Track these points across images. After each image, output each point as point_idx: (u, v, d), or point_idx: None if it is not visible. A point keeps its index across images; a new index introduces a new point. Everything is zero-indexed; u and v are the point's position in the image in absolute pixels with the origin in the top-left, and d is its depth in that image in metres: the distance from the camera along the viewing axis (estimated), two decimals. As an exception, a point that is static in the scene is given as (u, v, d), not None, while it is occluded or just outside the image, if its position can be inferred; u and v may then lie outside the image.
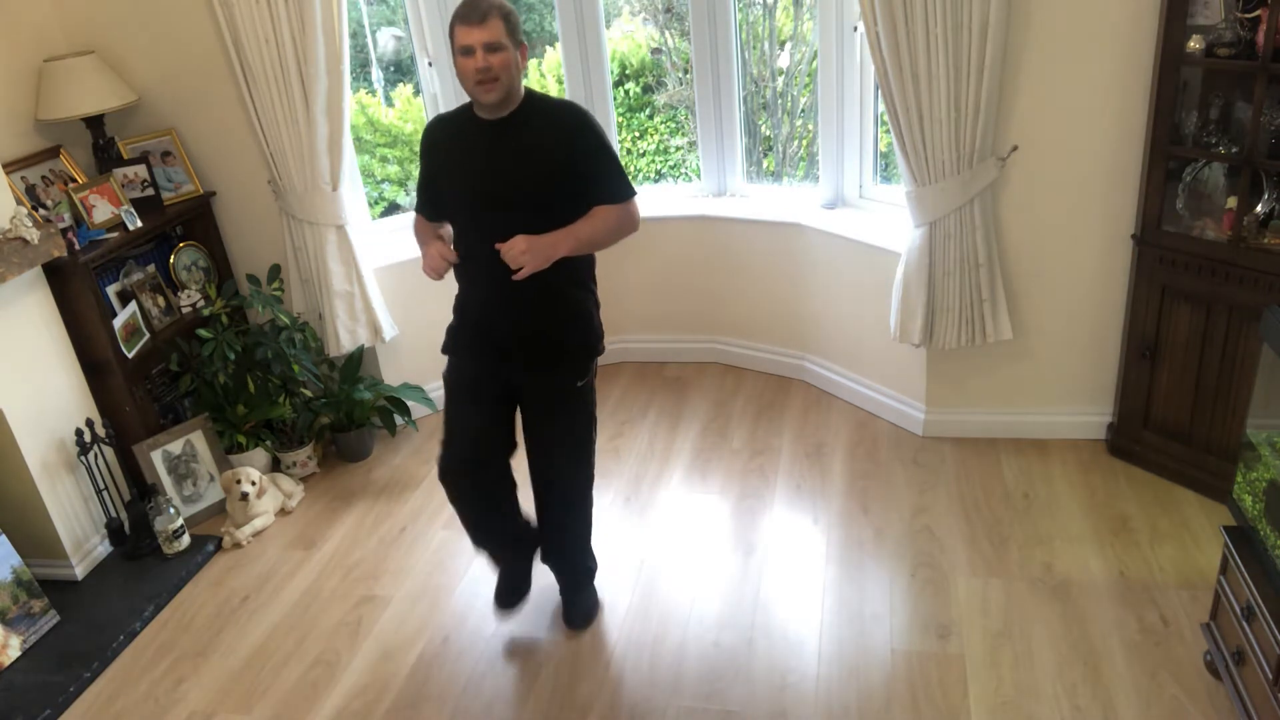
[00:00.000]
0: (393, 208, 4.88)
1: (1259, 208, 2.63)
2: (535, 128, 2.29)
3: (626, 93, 5.21)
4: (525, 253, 2.22)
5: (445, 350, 2.54)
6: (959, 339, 3.14)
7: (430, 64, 3.71)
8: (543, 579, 2.80)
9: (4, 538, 2.83)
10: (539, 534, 2.73)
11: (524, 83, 2.31)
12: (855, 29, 3.30)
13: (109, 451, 3.19)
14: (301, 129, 3.32)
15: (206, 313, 3.54)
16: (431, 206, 2.48)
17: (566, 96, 3.87)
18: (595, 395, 2.56)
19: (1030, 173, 2.99)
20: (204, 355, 3.41)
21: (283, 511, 3.42)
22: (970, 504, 3.06)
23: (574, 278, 2.42)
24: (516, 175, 2.28)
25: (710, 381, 4.00)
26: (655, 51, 5.16)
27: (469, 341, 2.49)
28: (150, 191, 3.48)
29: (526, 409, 2.54)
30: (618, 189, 2.36)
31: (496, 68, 2.17)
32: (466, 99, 2.33)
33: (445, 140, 2.39)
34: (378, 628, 2.81)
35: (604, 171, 2.35)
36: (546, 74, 5.23)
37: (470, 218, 2.37)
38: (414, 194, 2.61)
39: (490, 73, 2.17)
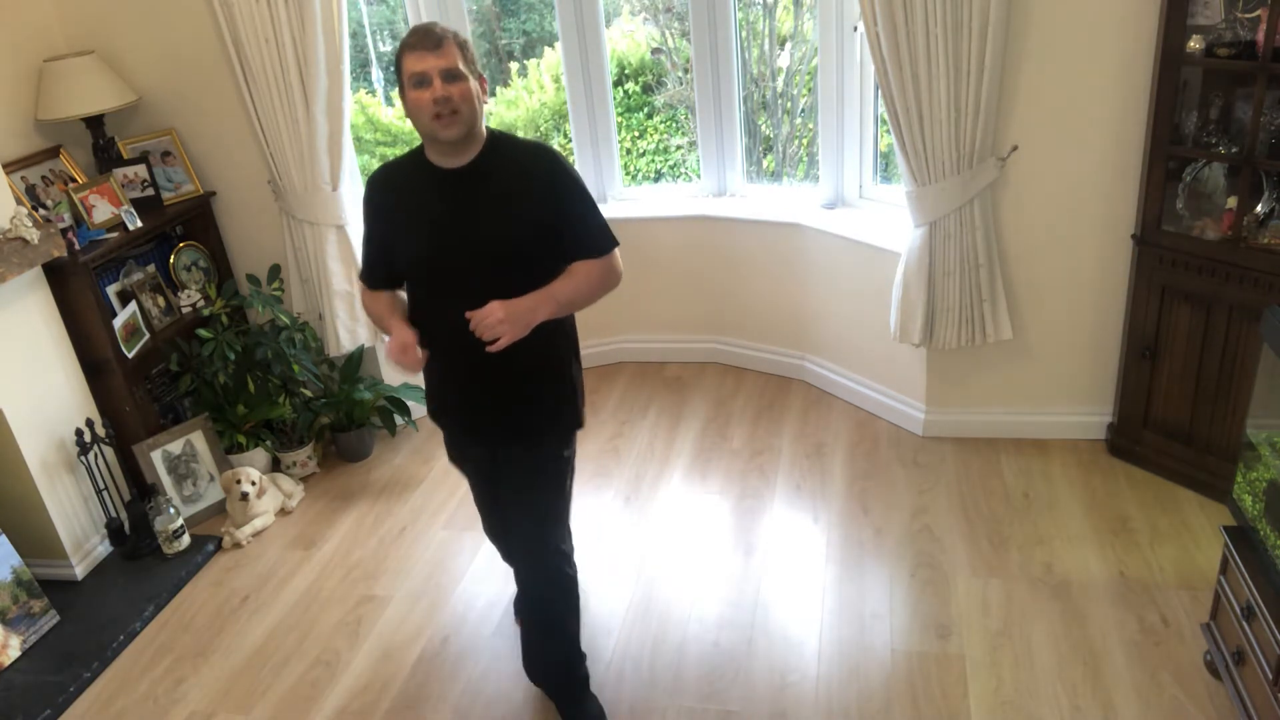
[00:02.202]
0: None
1: (1259, 208, 2.63)
2: (504, 175, 2.02)
3: (626, 93, 5.22)
4: (503, 322, 1.95)
5: (431, 416, 2.33)
6: (959, 339, 3.14)
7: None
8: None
9: (4, 538, 2.83)
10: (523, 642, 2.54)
11: (487, 121, 2.08)
12: (855, 29, 3.30)
13: (109, 451, 3.19)
14: (301, 129, 3.32)
15: (206, 313, 3.54)
16: (382, 271, 2.17)
17: (566, 97, 3.88)
18: (574, 463, 2.33)
19: (1030, 173, 2.99)
20: (204, 355, 3.41)
21: (283, 511, 3.42)
22: (970, 504, 3.06)
23: (555, 340, 2.15)
24: (486, 232, 2.00)
25: (710, 381, 4.00)
26: (655, 51, 5.16)
27: (450, 414, 2.28)
28: (150, 191, 3.48)
29: (503, 479, 2.29)
30: (600, 241, 2.10)
31: (456, 99, 1.91)
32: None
33: (396, 194, 2.09)
34: (378, 628, 2.81)
35: (585, 223, 2.08)
36: (545, 73, 5.24)
37: (433, 282, 2.09)
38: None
39: (450, 104, 1.91)
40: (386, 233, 2.12)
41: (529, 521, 2.27)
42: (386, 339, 2.14)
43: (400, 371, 2.02)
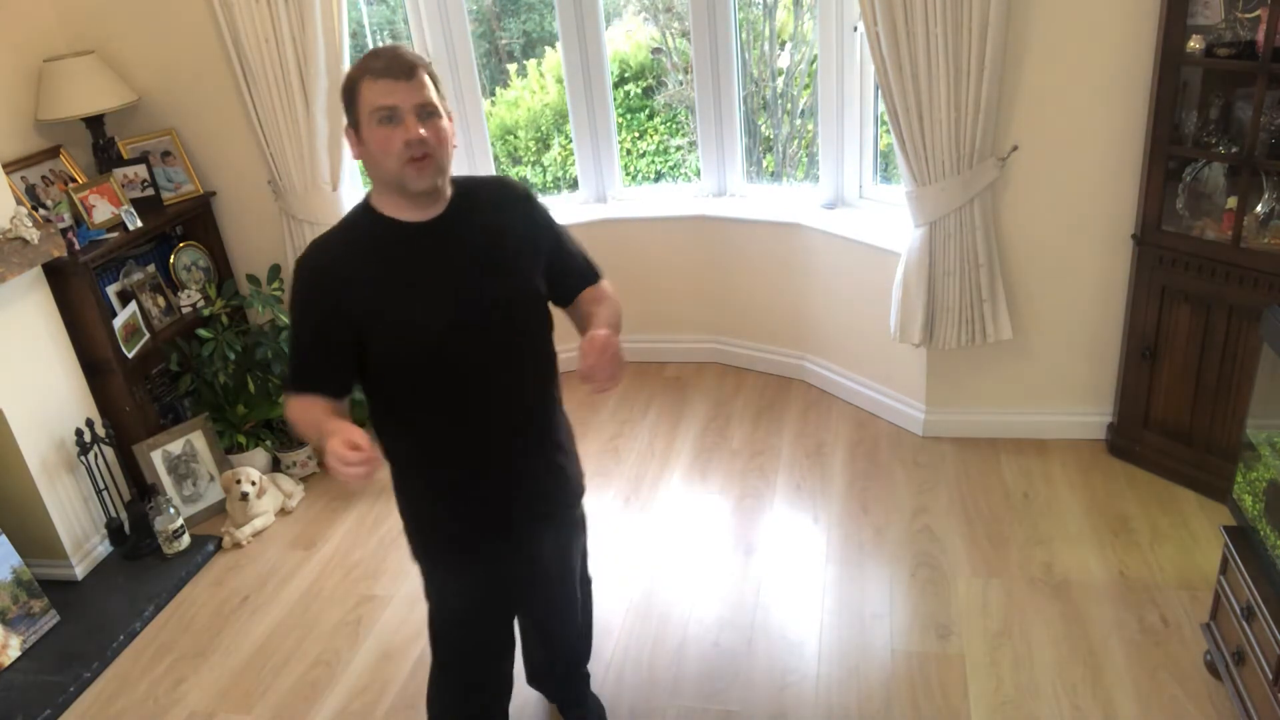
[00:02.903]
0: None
1: (1259, 208, 2.63)
2: (487, 220, 1.74)
3: (626, 94, 5.22)
4: (619, 357, 1.64)
5: (431, 555, 1.90)
6: (959, 339, 3.14)
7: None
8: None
9: (4, 538, 2.83)
10: (542, 674, 2.38)
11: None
12: (855, 29, 3.30)
13: (109, 451, 3.19)
14: (301, 129, 3.32)
15: (206, 313, 3.54)
16: (328, 375, 1.72)
17: (566, 97, 3.87)
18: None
19: (1030, 173, 2.98)
20: (204, 355, 3.41)
21: (283, 511, 3.42)
22: (970, 504, 3.06)
23: (560, 392, 1.91)
24: (506, 284, 1.72)
25: (710, 381, 4.00)
26: (655, 51, 5.17)
27: (473, 533, 1.85)
28: (150, 191, 3.49)
29: (542, 570, 2.02)
30: (595, 266, 1.90)
31: (433, 141, 1.60)
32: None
33: (361, 268, 1.66)
34: (378, 628, 2.81)
35: (575, 248, 1.87)
36: (546, 75, 5.24)
37: (447, 359, 1.69)
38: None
39: (425, 146, 1.59)
40: (360, 319, 1.66)
41: (573, 591, 2.14)
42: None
43: (348, 480, 1.50)
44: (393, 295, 1.66)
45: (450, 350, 1.69)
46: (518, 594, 2.04)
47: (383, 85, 1.59)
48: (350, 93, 1.62)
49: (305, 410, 1.70)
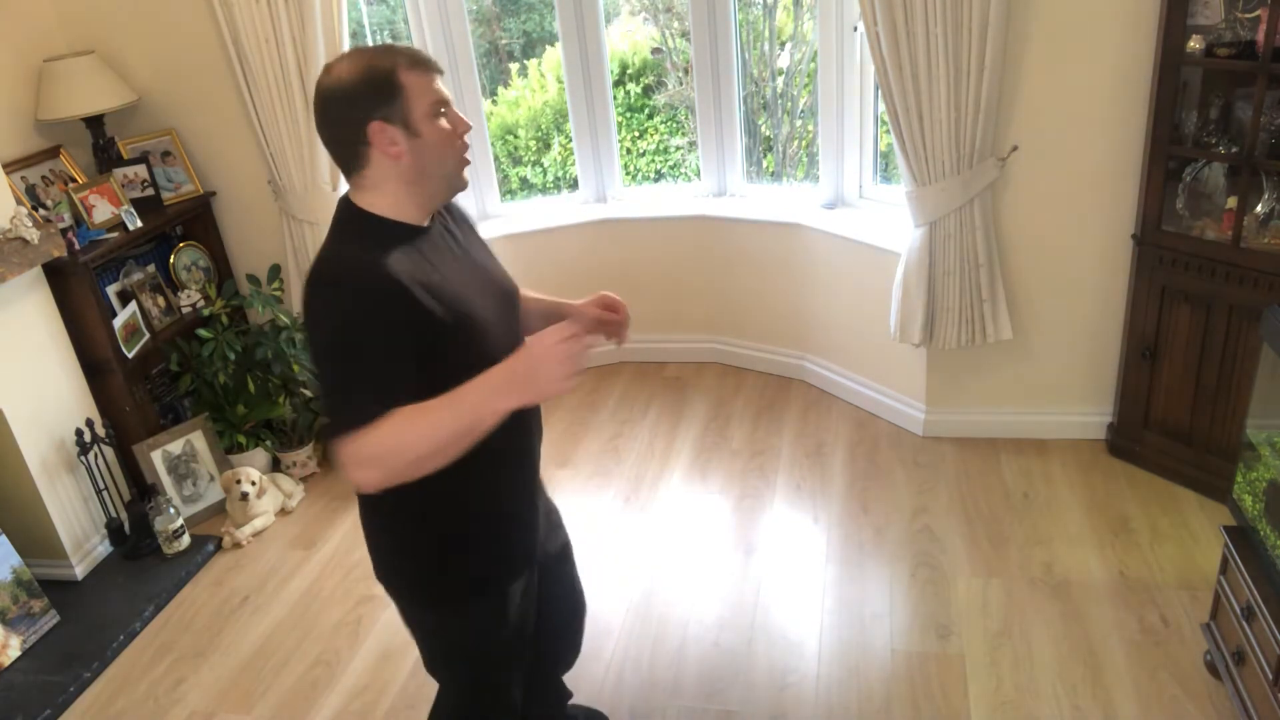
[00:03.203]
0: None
1: (1259, 208, 2.63)
2: (455, 219, 1.70)
3: (627, 92, 5.22)
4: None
5: (459, 596, 1.72)
6: (959, 339, 3.14)
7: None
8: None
9: (4, 538, 2.83)
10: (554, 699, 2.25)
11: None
12: (855, 29, 3.30)
13: (109, 451, 3.19)
14: (301, 129, 3.32)
15: (206, 313, 3.54)
16: (409, 388, 1.44)
17: (566, 97, 3.88)
18: None
19: (1030, 173, 2.98)
20: (204, 355, 3.41)
21: (283, 511, 3.42)
22: (970, 504, 3.06)
23: None
24: (505, 279, 1.72)
25: (710, 381, 4.00)
26: (655, 51, 5.17)
27: (517, 554, 1.74)
28: (150, 191, 3.49)
29: (563, 564, 2.00)
30: None
31: None
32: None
33: (410, 273, 1.47)
34: (378, 628, 2.81)
35: None
36: (547, 74, 5.24)
37: (496, 346, 1.54)
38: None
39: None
40: (415, 329, 1.46)
41: (582, 598, 2.10)
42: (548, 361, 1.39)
43: (574, 371, 1.39)
44: (437, 299, 1.48)
45: (495, 350, 1.50)
46: (540, 616, 1.91)
47: (430, 77, 1.47)
48: (388, 85, 1.43)
49: (413, 410, 1.41)
